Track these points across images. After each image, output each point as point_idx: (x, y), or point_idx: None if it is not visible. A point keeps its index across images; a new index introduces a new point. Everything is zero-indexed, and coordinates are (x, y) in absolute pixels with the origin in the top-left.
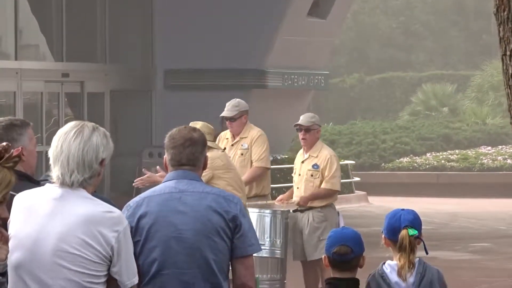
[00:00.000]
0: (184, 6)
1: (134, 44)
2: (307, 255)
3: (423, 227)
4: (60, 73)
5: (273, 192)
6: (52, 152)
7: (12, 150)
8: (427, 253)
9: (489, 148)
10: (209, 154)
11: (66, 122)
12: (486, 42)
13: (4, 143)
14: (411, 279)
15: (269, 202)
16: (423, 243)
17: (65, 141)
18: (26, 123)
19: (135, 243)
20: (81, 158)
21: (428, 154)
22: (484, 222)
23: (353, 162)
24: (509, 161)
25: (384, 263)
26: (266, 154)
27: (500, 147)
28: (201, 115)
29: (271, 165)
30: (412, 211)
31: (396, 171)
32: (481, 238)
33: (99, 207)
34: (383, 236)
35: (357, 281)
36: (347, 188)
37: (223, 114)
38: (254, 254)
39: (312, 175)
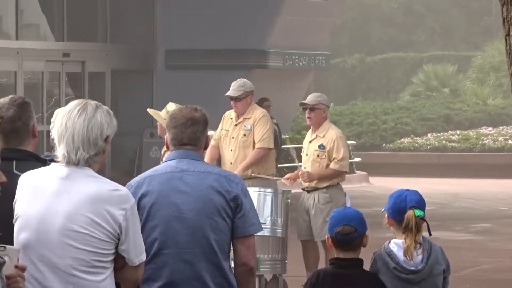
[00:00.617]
0: None
1: (135, 24)
2: (314, 235)
3: None
4: (61, 53)
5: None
6: (56, 131)
7: None
8: (430, 234)
9: (490, 128)
10: None
11: (67, 101)
12: (487, 23)
13: None
14: (418, 258)
15: (275, 178)
16: (427, 224)
17: (69, 119)
18: (30, 102)
19: None
20: (86, 135)
21: (429, 135)
22: (485, 202)
23: (354, 142)
24: (510, 141)
25: (389, 242)
26: (269, 134)
27: (501, 127)
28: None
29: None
30: (417, 191)
31: (397, 151)
32: (482, 219)
33: (106, 185)
34: (386, 216)
35: (361, 261)
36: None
37: (228, 93)
38: (256, 234)
39: (318, 156)
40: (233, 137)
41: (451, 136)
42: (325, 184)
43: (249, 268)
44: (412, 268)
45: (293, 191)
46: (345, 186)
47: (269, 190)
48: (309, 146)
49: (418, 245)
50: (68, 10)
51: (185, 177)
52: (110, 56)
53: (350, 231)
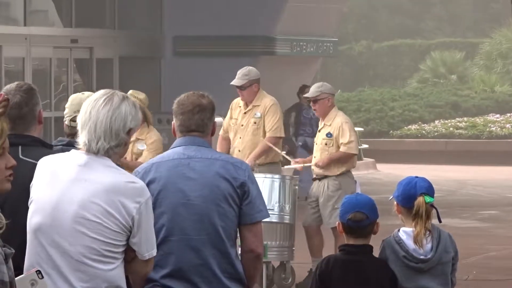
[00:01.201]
0: None
1: (143, 10)
2: (324, 222)
3: None
4: (69, 39)
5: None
6: (80, 118)
7: None
8: (440, 221)
9: (498, 115)
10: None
11: (75, 88)
12: (495, 10)
13: None
14: (428, 245)
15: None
16: (437, 211)
17: (94, 107)
18: (36, 88)
19: None
20: (108, 125)
21: (436, 122)
22: (492, 189)
23: (361, 129)
24: None
25: (398, 230)
26: (279, 123)
27: (508, 114)
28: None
29: None
30: (426, 178)
31: (405, 138)
32: (489, 206)
33: (123, 177)
34: (395, 203)
35: (371, 248)
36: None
37: (233, 82)
38: (263, 220)
39: (326, 144)
40: (242, 125)
41: (458, 123)
42: (336, 172)
43: (256, 254)
44: (422, 257)
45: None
46: (352, 173)
47: (277, 176)
48: (318, 135)
49: (428, 232)
50: None
51: (192, 163)
52: (118, 43)
53: (362, 218)
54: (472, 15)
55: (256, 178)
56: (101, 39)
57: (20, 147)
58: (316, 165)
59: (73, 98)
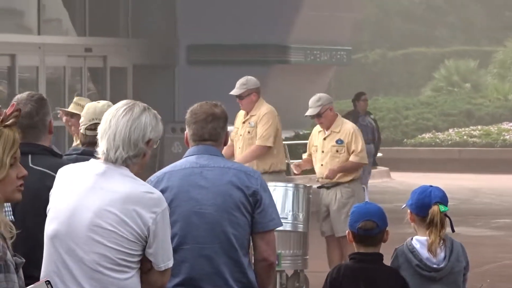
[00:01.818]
0: None
1: (157, 19)
2: (335, 231)
3: None
4: (83, 48)
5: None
6: (100, 127)
7: (4, 110)
8: (453, 230)
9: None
10: None
11: (88, 96)
12: (509, 18)
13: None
14: (441, 254)
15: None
16: (450, 220)
17: (114, 117)
18: (46, 98)
19: None
20: (127, 135)
21: (450, 130)
22: (506, 198)
23: None
24: None
25: (412, 239)
26: (269, 132)
27: None
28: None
29: (294, 140)
30: (440, 188)
31: (418, 147)
32: (503, 214)
33: (140, 187)
34: (408, 212)
35: (381, 256)
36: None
37: (232, 92)
38: (276, 229)
39: (337, 151)
40: (241, 135)
41: (472, 132)
42: (347, 179)
43: (269, 263)
44: (435, 265)
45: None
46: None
47: (290, 184)
48: (324, 142)
49: (442, 241)
50: (90, 5)
51: (204, 172)
52: (132, 51)
53: (372, 227)
54: (485, 23)
55: (268, 187)
56: (114, 47)
57: (30, 156)
58: (327, 177)
59: (88, 107)
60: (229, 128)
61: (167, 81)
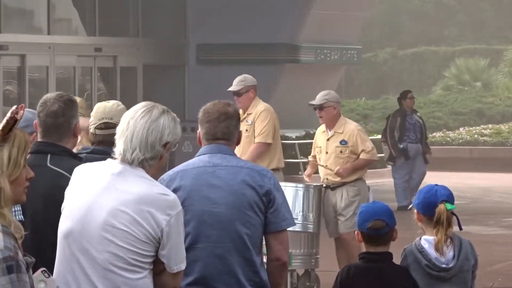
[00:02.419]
0: None
1: (167, 18)
2: (339, 228)
3: (456, 202)
4: (93, 48)
5: (306, 166)
6: (119, 128)
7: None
8: (461, 228)
9: None
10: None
11: (98, 96)
12: None
13: (14, 107)
14: (450, 253)
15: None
16: (457, 218)
17: (132, 118)
18: (76, 101)
19: None
20: (144, 137)
21: (461, 129)
22: None
23: None
24: None
25: (420, 238)
26: (267, 129)
27: None
28: None
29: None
30: (446, 186)
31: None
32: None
33: (155, 188)
34: (415, 211)
35: (390, 255)
36: (379, 163)
37: (230, 89)
38: (288, 229)
39: (341, 151)
40: None
41: (483, 130)
42: (353, 178)
43: (282, 263)
44: (444, 265)
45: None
46: (376, 180)
47: (301, 185)
48: (328, 143)
49: (449, 240)
50: (99, 5)
51: (217, 171)
52: (142, 51)
53: (382, 226)
54: (496, 21)
55: None
56: (124, 47)
57: (49, 156)
58: (338, 174)
59: (98, 106)
60: None
61: (177, 80)
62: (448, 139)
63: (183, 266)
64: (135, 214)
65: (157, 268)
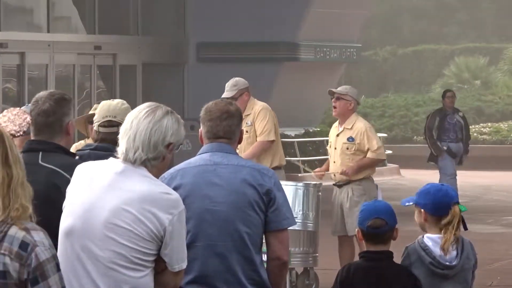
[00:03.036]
0: None
1: (167, 16)
2: (348, 230)
3: None
4: (93, 46)
5: (305, 164)
6: (122, 127)
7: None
8: (466, 228)
9: None
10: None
11: (98, 94)
12: None
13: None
14: (453, 252)
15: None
16: (463, 219)
17: (136, 118)
18: (70, 99)
19: None
20: (147, 137)
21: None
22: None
23: (385, 135)
24: None
25: (423, 237)
26: (269, 126)
27: None
28: None
29: (304, 137)
30: (451, 186)
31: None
32: None
33: (158, 188)
34: (421, 210)
35: (391, 253)
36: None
37: (223, 95)
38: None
39: (347, 148)
40: None
41: (482, 129)
42: (359, 177)
43: (282, 262)
44: (447, 263)
45: (328, 183)
46: (376, 178)
47: (300, 183)
48: (337, 139)
49: (457, 241)
50: (99, 3)
51: (218, 170)
52: (142, 49)
53: (381, 224)
54: (495, 20)
55: None
56: (124, 45)
57: (40, 153)
58: (344, 173)
59: (103, 104)
60: None
61: (177, 79)
62: None
63: (184, 265)
64: (138, 213)
65: (159, 266)
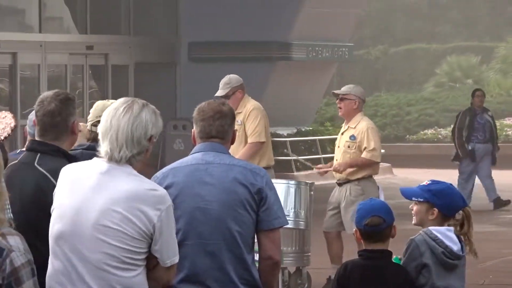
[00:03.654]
0: None
1: (159, 16)
2: (346, 229)
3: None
4: (84, 46)
5: (298, 164)
6: (101, 127)
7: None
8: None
9: None
10: None
11: (90, 94)
12: (511, 14)
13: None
14: (459, 244)
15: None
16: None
17: (114, 116)
18: (74, 98)
19: None
20: (130, 133)
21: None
22: (508, 193)
23: None
24: None
25: (428, 229)
26: (259, 128)
27: None
28: None
29: (296, 136)
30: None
31: (421, 143)
32: (506, 210)
33: (144, 185)
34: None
35: (389, 253)
36: None
37: (217, 94)
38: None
39: (349, 147)
40: None
41: None
42: (357, 176)
43: (274, 262)
44: (459, 253)
45: (324, 182)
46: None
47: (292, 182)
48: (341, 137)
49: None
50: (91, 3)
51: (210, 169)
52: (134, 49)
53: (379, 222)
54: (488, 19)
55: None
56: (116, 45)
57: (38, 155)
58: (334, 169)
59: (97, 104)
60: None
61: (169, 78)
62: (440, 136)
63: (176, 259)
64: (127, 212)
65: (150, 263)
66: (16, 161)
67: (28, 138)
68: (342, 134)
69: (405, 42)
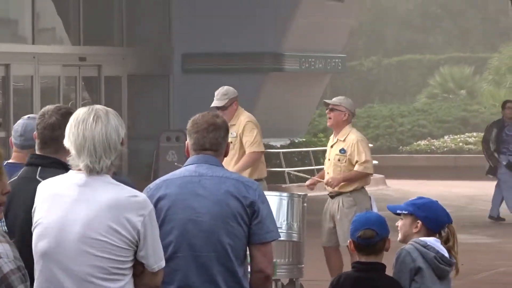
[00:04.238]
0: None
1: (152, 27)
2: (340, 241)
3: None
4: (77, 57)
5: (290, 176)
6: (73, 142)
7: None
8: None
9: None
10: None
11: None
12: (504, 25)
13: None
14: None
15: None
16: None
17: (86, 129)
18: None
19: None
20: (106, 142)
21: (445, 137)
22: (502, 205)
23: (370, 145)
24: None
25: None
26: (258, 138)
27: None
28: None
29: (289, 148)
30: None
31: (414, 154)
32: (498, 222)
33: (124, 192)
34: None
35: (382, 266)
36: None
37: (213, 104)
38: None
39: (339, 160)
40: None
41: (468, 138)
42: (349, 189)
43: (266, 275)
44: (452, 260)
45: (317, 194)
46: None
47: (285, 194)
48: (331, 150)
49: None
50: (84, 14)
51: (203, 181)
52: (127, 60)
53: (372, 235)
54: (481, 29)
55: None
56: (109, 57)
57: (39, 168)
58: (327, 183)
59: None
60: None
61: (162, 90)
62: (433, 147)
63: (162, 263)
64: (110, 221)
65: (137, 269)
66: (16, 177)
67: (14, 148)
68: (332, 147)
69: (398, 53)
